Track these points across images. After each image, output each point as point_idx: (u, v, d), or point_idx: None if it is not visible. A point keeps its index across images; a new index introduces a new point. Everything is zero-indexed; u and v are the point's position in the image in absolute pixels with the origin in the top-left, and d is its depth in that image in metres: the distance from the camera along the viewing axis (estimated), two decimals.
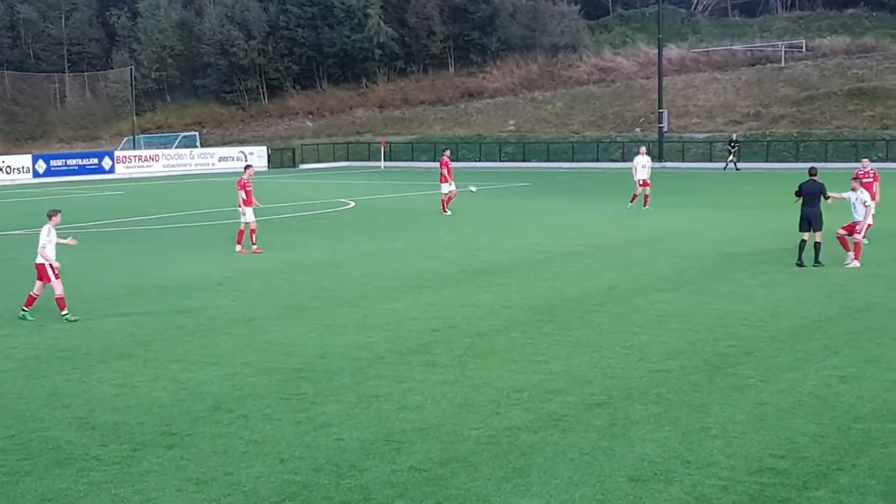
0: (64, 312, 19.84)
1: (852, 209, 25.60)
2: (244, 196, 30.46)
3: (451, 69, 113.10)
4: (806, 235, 25.48)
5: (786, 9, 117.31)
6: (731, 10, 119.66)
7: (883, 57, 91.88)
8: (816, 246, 25.31)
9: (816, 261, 25.17)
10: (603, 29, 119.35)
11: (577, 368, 15.39)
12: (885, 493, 10.12)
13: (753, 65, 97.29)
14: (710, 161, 78.86)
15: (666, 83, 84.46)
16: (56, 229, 20.30)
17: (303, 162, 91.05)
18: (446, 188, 41.48)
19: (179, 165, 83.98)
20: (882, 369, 14.96)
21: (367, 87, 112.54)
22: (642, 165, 42.05)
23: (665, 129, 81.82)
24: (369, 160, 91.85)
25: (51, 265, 19.89)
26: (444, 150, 45.16)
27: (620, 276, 24.38)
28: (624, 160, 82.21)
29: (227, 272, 26.20)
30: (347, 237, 33.83)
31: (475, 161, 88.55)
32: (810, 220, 25.38)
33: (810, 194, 25.52)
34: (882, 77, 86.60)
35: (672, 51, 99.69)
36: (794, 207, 26.06)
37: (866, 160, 30.60)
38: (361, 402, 13.70)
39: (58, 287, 19.92)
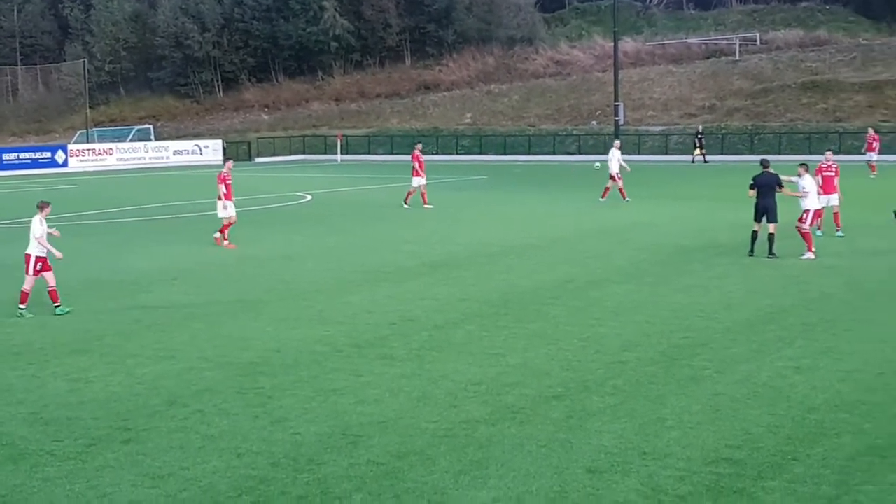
0: (56, 304, 19.86)
1: (801, 198, 25.94)
2: (224, 190, 30.10)
3: (408, 62, 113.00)
4: (757, 226, 25.73)
5: (740, 2, 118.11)
6: (685, 4, 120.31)
7: (836, 50, 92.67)
8: (770, 237, 25.53)
9: (770, 252, 25.37)
10: (559, 22, 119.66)
11: (533, 361, 15.42)
12: (838, 483, 10.21)
13: (708, 58, 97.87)
14: (666, 154, 79.26)
15: (622, 76, 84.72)
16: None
17: (258, 155, 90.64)
18: (417, 181, 41.21)
19: (134, 159, 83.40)
20: (835, 360, 15.09)
21: (323, 80, 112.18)
22: (617, 159, 42.01)
23: (621, 122, 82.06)
24: (326, 153, 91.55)
25: (37, 258, 19.79)
26: (415, 144, 44.97)
27: (577, 268, 24.45)
28: (580, 153, 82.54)
29: (182, 266, 26.04)
30: (304, 230, 33.72)
31: (432, 154, 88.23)
32: (766, 211, 25.59)
33: (765, 186, 25.71)
34: (835, 70, 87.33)
35: (628, 44, 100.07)
36: (750, 200, 26.21)
37: (829, 153, 30.68)
38: (318, 396, 13.66)
39: (28, 283, 19.83)
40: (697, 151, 70.17)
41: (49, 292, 20.03)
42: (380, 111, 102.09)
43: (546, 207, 40.35)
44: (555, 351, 16.04)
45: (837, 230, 28.79)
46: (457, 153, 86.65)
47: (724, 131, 79.77)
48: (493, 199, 44.85)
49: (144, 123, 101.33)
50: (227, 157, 32.20)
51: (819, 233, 28.37)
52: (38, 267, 19.85)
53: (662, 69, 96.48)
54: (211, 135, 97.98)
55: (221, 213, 30.19)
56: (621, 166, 41.94)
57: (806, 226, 25.87)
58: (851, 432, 11.74)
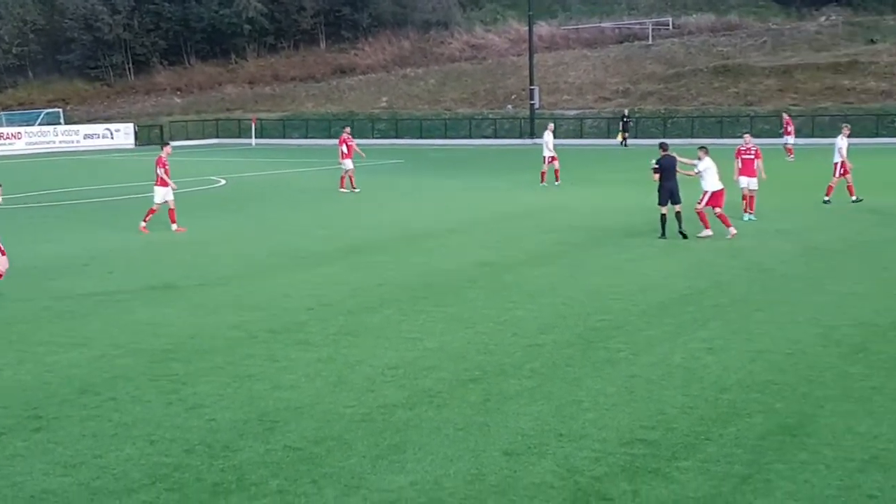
0: None
1: (701, 179, 26.43)
2: (162, 174, 29.67)
3: (323, 45, 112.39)
4: (665, 209, 26.25)
5: None
6: None
7: (747, 34, 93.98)
8: (678, 216, 26.04)
9: (680, 231, 25.85)
10: (474, 6, 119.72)
11: (451, 345, 15.43)
12: (750, 462, 10.35)
13: (622, 42, 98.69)
14: (581, 137, 79.77)
15: (537, 60, 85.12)
16: None
17: (171, 139, 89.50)
18: (348, 164, 40.97)
19: (43, 143, 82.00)
20: (746, 341, 15.31)
21: (236, 63, 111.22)
22: (550, 142, 42.40)
23: (536, 105, 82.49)
24: (240, 137, 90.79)
25: None
26: (343, 127, 44.66)
27: (493, 252, 24.52)
28: (496, 137, 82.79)
29: (93, 252, 25.65)
30: (218, 215, 33.42)
31: None
32: (672, 193, 26.13)
33: (669, 169, 26.28)
34: (746, 54, 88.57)
35: (542, 28, 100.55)
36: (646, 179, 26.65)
37: (747, 136, 30.85)
38: (234, 382, 13.53)
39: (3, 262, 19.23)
40: (621, 136, 70.66)
41: None
42: (294, 95, 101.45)
43: (463, 191, 40.42)
44: (472, 334, 16.06)
45: (751, 213, 29.14)
46: (373, 137, 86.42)
47: (637, 115, 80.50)
48: (409, 183, 44.79)
49: (53, 107, 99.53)
50: (165, 143, 31.76)
51: (752, 217, 28.72)
52: None
53: (577, 53, 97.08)
54: (122, 118, 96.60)
55: (158, 199, 29.89)
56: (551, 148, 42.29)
57: (702, 206, 26.33)
58: (763, 412, 11.91)
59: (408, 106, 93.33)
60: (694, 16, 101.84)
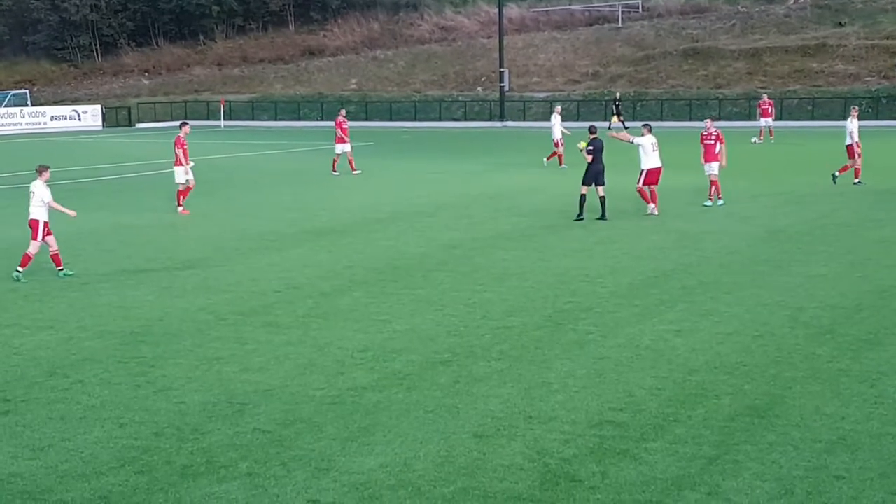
0: (59, 268, 20.05)
1: (639, 156, 27.15)
2: (181, 154, 29.57)
3: (292, 27, 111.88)
4: (585, 189, 26.73)
5: None
6: None
7: (716, 17, 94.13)
8: (602, 200, 26.59)
9: (603, 215, 26.42)
10: None
11: (420, 327, 15.44)
12: (718, 443, 10.42)
13: (592, 24, 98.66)
14: (550, 120, 79.70)
15: (506, 42, 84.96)
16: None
17: (139, 121, 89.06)
18: (340, 148, 40.43)
19: (9, 125, 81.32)
20: (715, 322, 15.39)
21: (205, 44, 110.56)
22: (559, 125, 41.61)
23: (506, 88, 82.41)
24: (208, 119, 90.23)
25: (45, 222, 19.79)
26: (338, 109, 44.04)
27: (463, 234, 24.53)
28: (466, 119, 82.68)
29: (60, 234, 25.42)
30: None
31: (317, 120, 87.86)
32: (597, 175, 26.67)
33: (600, 150, 26.86)
34: (715, 37, 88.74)
35: (512, 10, 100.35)
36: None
37: (709, 120, 30.70)
38: (203, 365, 13.50)
39: (34, 247, 19.82)
40: (615, 119, 68.84)
41: (52, 256, 20.03)
42: (263, 77, 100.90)
43: (432, 174, 40.37)
44: (441, 317, 16.08)
45: (718, 199, 29.01)
46: None
47: (607, 98, 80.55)
48: (379, 165, 44.66)
49: (20, 88, 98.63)
50: (183, 122, 31.72)
51: (719, 202, 28.61)
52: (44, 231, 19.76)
53: (547, 36, 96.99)
54: (89, 100, 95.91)
55: (180, 179, 29.78)
56: (563, 132, 41.52)
57: (640, 184, 27.29)
58: (731, 393, 11.99)
59: (377, 88, 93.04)
60: None
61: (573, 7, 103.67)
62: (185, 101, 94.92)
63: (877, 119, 69.95)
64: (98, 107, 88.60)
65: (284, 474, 9.81)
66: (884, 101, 71.73)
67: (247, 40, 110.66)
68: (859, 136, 33.35)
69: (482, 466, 9.94)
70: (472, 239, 23.84)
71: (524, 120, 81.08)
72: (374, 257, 21.58)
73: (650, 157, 26.89)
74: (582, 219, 26.29)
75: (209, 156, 52.68)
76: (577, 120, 75.42)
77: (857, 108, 35.16)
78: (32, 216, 19.93)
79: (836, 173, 33.02)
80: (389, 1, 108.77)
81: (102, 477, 9.81)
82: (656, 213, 26.81)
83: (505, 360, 13.57)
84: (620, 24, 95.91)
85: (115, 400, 12.11)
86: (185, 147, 29.68)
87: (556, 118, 42.27)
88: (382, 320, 15.91)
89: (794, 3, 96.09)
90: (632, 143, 27.39)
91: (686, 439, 10.55)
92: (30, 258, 19.79)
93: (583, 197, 26.65)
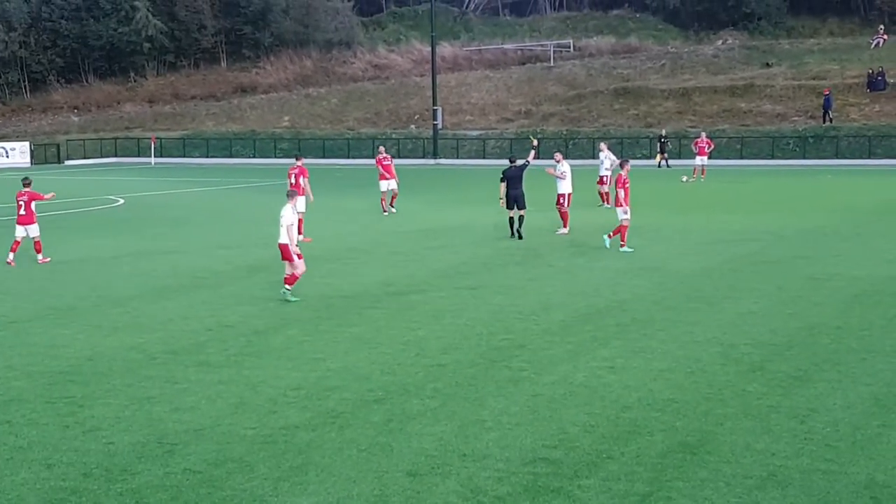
0: (288, 288, 20.93)
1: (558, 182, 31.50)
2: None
3: (224, 64, 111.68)
4: (512, 213, 30.27)
5: (554, 9, 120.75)
6: (501, 10, 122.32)
7: (646, 57, 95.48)
8: (520, 219, 30.14)
9: (518, 233, 30.00)
10: (377, 26, 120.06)
11: (354, 365, 15.36)
12: (651, 480, 10.45)
13: (524, 63, 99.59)
14: (484, 158, 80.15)
15: (440, 81, 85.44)
16: None
17: (68, 158, 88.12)
18: (385, 185, 39.28)
19: None
20: (648, 359, 15.47)
21: (135, 81, 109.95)
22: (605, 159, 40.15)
23: (439, 126, 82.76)
24: (139, 156, 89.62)
25: (294, 244, 20.92)
26: (378, 147, 42.83)
27: (397, 271, 24.50)
28: (400, 157, 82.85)
29: None
30: (116, 235, 32.90)
31: (250, 157, 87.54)
32: (516, 201, 30.13)
33: (514, 178, 30.30)
34: (645, 77, 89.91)
35: (445, 49, 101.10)
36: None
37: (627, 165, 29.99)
38: (133, 405, 13.31)
39: (300, 266, 21.00)
40: (659, 157, 67.67)
41: (289, 277, 21.11)
42: (195, 114, 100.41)
43: (366, 212, 40.32)
44: (375, 355, 16.01)
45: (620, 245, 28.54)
46: (275, 156, 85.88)
47: (540, 136, 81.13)
48: (313, 203, 44.47)
49: None
50: (297, 155, 33.39)
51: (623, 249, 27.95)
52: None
53: (480, 74, 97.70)
54: (18, 137, 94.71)
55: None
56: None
57: (564, 207, 31.27)
58: (663, 430, 12.04)
59: (310, 125, 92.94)
60: (595, 38, 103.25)
61: (506, 46, 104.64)
62: (116, 138, 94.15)
63: (804, 158, 71.22)
64: (27, 143, 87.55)
65: None
66: (811, 140, 72.97)
67: (178, 77, 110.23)
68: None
69: None
70: (407, 276, 23.82)
71: (457, 157, 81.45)
72: (308, 295, 21.46)
73: (570, 182, 31.67)
74: (513, 236, 30.02)
75: (140, 193, 52.23)
76: (501, 158, 75.63)
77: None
78: (281, 241, 21.04)
79: None
80: (322, 39, 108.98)
81: None
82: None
83: (439, 397, 13.53)
84: (552, 64, 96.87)
85: (42, 441, 11.90)
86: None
87: (608, 153, 40.46)
88: (316, 358, 15.81)
89: (723, 43, 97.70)
90: (561, 173, 31.58)
91: (619, 476, 10.57)
92: (296, 277, 21.19)
93: (510, 219, 30.37)
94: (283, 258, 21.09)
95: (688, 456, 11.15)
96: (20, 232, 26.93)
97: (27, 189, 27.03)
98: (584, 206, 37.50)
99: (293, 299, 20.61)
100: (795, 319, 18.36)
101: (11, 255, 26.61)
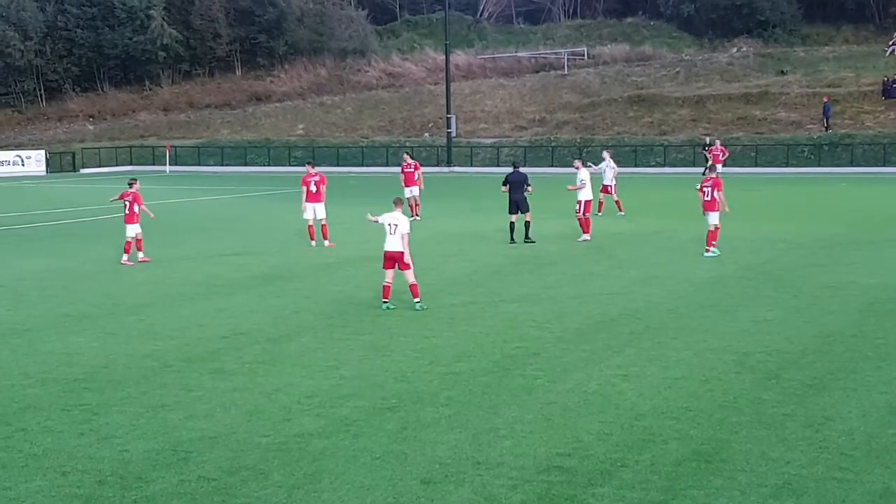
0: (416, 300, 20.78)
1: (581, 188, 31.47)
2: (314, 190, 31.54)
3: (238, 72, 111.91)
4: (514, 217, 30.75)
5: (568, 17, 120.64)
6: (515, 18, 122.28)
7: (660, 65, 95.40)
8: (526, 225, 30.61)
9: (527, 237, 30.51)
10: (391, 34, 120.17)
11: (368, 373, 15.37)
12: (665, 488, 10.43)
13: (538, 72, 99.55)
14: (498, 165, 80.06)
15: (454, 89, 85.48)
16: None
17: (84, 166, 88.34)
18: (408, 192, 39.44)
19: None
20: (662, 367, 15.44)
21: (150, 89, 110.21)
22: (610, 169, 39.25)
23: (453, 134, 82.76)
24: (154, 164, 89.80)
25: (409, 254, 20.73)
26: (402, 154, 42.98)
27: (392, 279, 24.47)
28: None
29: (3, 280, 25.16)
30: None
31: (264, 165, 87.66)
32: (518, 204, 30.65)
33: (515, 182, 30.81)
34: (659, 84, 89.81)
35: (459, 57, 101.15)
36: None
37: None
38: (147, 412, 13.34)
39: (412, 275, 20.78)
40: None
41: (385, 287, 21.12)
42: (210, 122, 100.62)
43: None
44: (389, 362, 16.02)
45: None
46: (289, 164, 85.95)
47: (553, 144, 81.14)
48: (327, 211, 44.50)
49: None
50: (308, 161, 33.30)
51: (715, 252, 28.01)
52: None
53: (493, 82, 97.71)
54: (33, 145, 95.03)
55: (307, 215, 31.45)
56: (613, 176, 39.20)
57: (584, 215, 31.19)
58: (678, 438, 12.02)
59: (325, 133, 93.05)
60: (609, 46, 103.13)
61: (519, 54, 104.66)
62: (131, 147, 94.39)
63: (819, 166, 70.99)
64: (42, 152, 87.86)
65: None
66: (825, 148, 72.78)
67: (193, 85, 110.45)
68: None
69: None
70: (421, 284, 23.70)
71: (471, 165, 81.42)
72: (322, 302, 21.49)
73: (590, 189, 31.74)
74: (514, 242, 30.38)
75: (154, 201, 52.33)
76: (525, 166, 75.65)
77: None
78: (397, 248, 20.83)
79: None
80: (337, 47, 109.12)
81: None
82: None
83: (453, 405, 13.52)
84: (566, 72, 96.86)
85: (57, 448, 11.93)
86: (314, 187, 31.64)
87: (603, 165, 39.54)
88: (330, 366, 15.82)
89: (737, 51, 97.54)
90: (581, 183, 31.54)
91: (633, 485, 10.55)
92: (416, 286, 20.96)
93: (511, 224, 30.79)
94: (399, 268, 20.58)
95: (702, 464, 11.12)
96: (130, 231, 28.34)
97: (132, 190, 28.53)
98: (600, 214, 37.43)
99: (425, 307, 20.54)
100: (810, 327, 18.31)
101: (126, 256, 28.00)
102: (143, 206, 28.61)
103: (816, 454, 11.42)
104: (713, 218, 27.65)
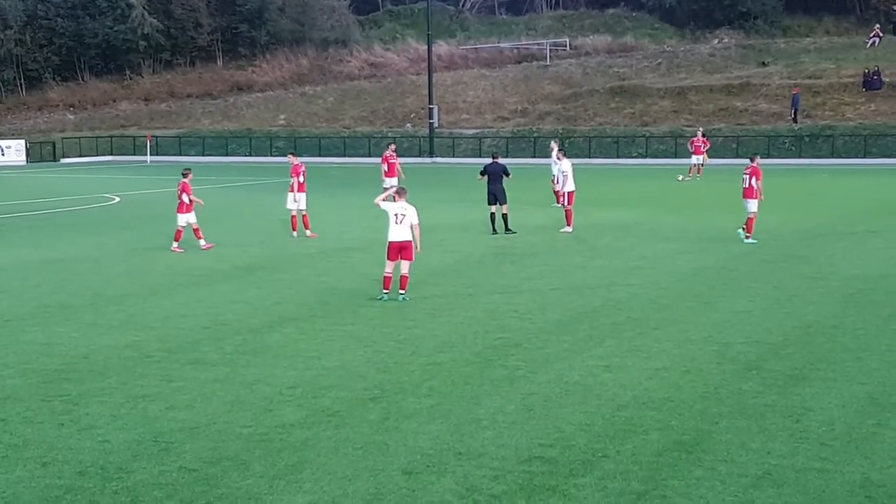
0: (402, 291, 20.52)
1: (559, 180, 31.62)
2: (301, 180, 31.38)
3: (220, 62, 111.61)
4: (493, 208, 30.91)
5: (550, 8, 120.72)
6: (497, 9, 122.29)
7: (642, 56, 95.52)
8: (504, 217, 30.68)
9: (507, 229, 30.52)
10: (373, 24, 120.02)
11: (350, 363, 15.35)
12: (646, 478, 10.45)
13: (520, 62, 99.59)
14: (480, 156, 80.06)
15: (436, 79, 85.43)
16: None
17: (64, 156, 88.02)
18: (388, 182, 39.75)
19: None
20: (643, 358, 15.47)
21: (131, 79, 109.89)
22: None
23: (436, 124, 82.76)
24: (135, 154, 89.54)
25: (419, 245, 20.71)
26: (387, 144, 43.16)
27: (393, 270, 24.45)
28: (396, 155, 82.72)
29: None
30: (111, 233, 32.87)
31: (246, 156, 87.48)
32: (496, 196, 30.77)
33: (494, 173, 30.95)
34: (641, 76, 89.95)
35: (441, 47, 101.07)
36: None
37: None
38: (128, 403, 13.29)
39: (408, 267, 20.53)
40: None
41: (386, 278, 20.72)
42: (191, 112, 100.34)
43: (361, 209, 40.25)
44: (371, 353, 16.01)
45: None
46: (271, 155, 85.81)
47: (535, 135, 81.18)
48: (310, 201, 44.48)
49: None
50: (290, 152, 33.12)
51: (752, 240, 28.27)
52: None
53: (476, 73, 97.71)
54: (13, 135, 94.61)
55: (290, 205, 31.27)
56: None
57: (567, 206, 31.18)
58: (659, 429, 12.04)
59: (306, 124, 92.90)
60: (591, 37, 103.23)
61: (501, 45, 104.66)
62: (111, 136, 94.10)
63: (800, 157, 71.23)
64: (22, 141, 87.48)
65: None
66: (806, 139, 73.02)
67: (174, 75, 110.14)
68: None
69: (411, 503, 9.88)
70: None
71: (453, 156, 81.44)
72: (304, 293, 21.46)
73: (573, 181, 31.58)
74: (495, 233, 30.45)
75: (135, 191, 52.20)
76: (507, 156, 75.83)
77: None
78: (406, 238, 20.53)
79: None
80: (319, 37, 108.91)
81: None
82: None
83: (434, 396, 13.53)
84: (548, 63, 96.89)
85: (37, 439, 11.88)
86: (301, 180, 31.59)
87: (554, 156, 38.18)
88: (312, 356, 15.80)
89: (719, 42, 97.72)
90: (564, 174, 31.76)
91: (615, 475, 10.57)
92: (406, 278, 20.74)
93: (491, 215, 30.95)
94: (401, 257, 20.32)
95: (683, 454, 11.15)
96: (181, 220, 28.80)
97: (184, 180, 28.89)
98: (582, 204, 37.47)
99: (408, 299, 20.39)
100: (791, 318, 18.38)
101: (175, 244, 28.54)
102: (192, 196, 28.66)
103: (796, 444, 11.46)
104: (752, 205, 28.12)
